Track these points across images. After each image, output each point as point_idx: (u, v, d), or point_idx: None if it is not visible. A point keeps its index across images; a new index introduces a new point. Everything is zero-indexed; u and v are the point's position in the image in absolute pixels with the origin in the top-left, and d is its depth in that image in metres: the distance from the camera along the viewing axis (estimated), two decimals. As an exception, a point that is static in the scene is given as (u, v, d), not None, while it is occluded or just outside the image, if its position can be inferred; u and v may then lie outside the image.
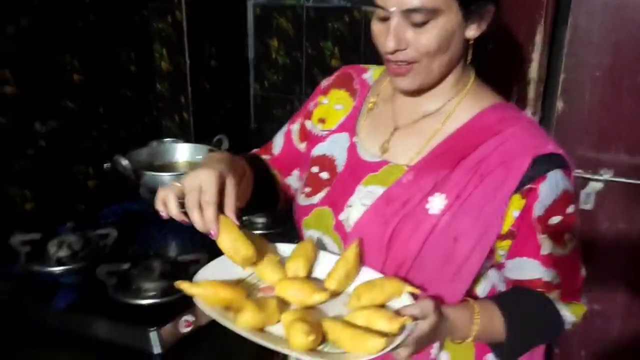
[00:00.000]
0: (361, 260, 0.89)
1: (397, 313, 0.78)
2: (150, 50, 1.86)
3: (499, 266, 0.93)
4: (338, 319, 0.80)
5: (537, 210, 0.86)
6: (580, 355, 2.03)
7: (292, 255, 0.90)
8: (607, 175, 1.81)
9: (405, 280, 0.85)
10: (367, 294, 0.82)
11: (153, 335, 1.05)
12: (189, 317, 1.11)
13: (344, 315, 0.81)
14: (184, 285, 0.81)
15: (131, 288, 1.16)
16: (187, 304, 1.13)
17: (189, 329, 1.10)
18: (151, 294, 1.14)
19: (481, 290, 0.95)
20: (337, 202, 0.95)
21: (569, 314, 0.94)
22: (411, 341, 0.76)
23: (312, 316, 0.79)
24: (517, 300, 0.92)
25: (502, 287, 0.97)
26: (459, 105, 0.92)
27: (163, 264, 1.22)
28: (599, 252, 1.88)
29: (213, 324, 0.81)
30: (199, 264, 1.22)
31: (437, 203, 0.86)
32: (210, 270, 0.88)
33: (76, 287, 1.19)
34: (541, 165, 0.84)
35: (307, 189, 0.99)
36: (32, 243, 1.31)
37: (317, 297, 0.82)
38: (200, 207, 0.79)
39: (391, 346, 0.72)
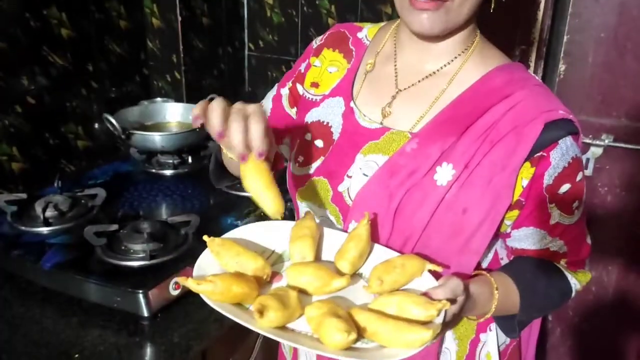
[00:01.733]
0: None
1: (426, 296, 0.73)
2: (140, 6, 1.79)
3: (504, 235, 0.90)
4: (365, 308, 0.73)
5: (547, 178, 0.81)
6: (574, 322, 2.04)
7: (294, 235, 0.82)
8: (607, 141, 1.78)
9: (425, 257, 0.80)
10: (388, 275, 0.75)
11: (141, 298, 1.03)
12: (177, 279, 1.08)
13: (369, 303, 0.74)
14: (189, 284, 0.70)
15: (120, 249, 1.14)
16: (176, 266, 1.11)
17: (178, 291, 1.08)
18: (140, 255, 1.12)
19: (485, 259, 0.92)
20: (334, 173, 0.89)
21: (576, 282, 0.91)
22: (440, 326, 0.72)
23: (339, 308, 0.70)
24: (528, 271, 0.89)
25: (503, 254, 0.94)
26: (465, 65, 0.86)
27: (152, 225, 1.19)
28: (596, 218, 1.87)
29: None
30: (189, 225, 1.21)
31: (444, 173, 0.81)
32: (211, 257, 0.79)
33: (64, 248, 1.16)
34: (552, 131, 0.80)
35: (300, 158, 0.94)
36: (19, 203, 1.28)
37: (336, 284, 0.74)
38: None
39: (436, 336, 0.67)
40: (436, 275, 0.78)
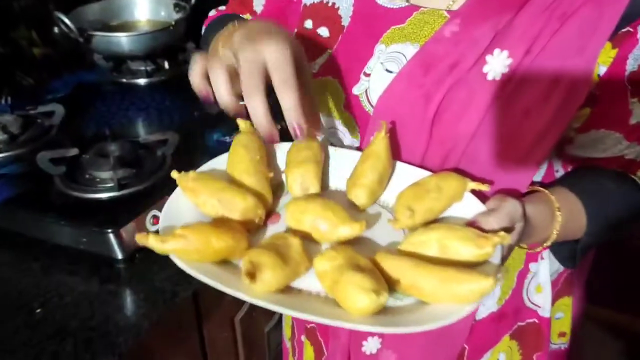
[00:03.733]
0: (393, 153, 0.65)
1: (472, 227, 0.55)
2: None
3: (564, 141, 0.70)
4: (394, 250, 0.55)
5: (632, 63, 0.61)
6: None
7: (292, 160, 0.64)
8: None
9: (466, 175, 0.62)
10: (420, 203, 0.57)
11: (112, 238, 0.85)
12: (156, 212, 0.89)
13: (398, 243, 0.56)
14: (150, 242, 0.52)
15: (83, 179, 0.93)
16: (152, 196, 0.92)
17: (157, 226, 0.89)
18: (108, 185, 0.92)
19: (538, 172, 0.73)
20: (346, 70, 0.70)
21: None
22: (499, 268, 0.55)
23: (359, 257, 0.53)
24: (597, 186, 0.70)
25: (559, 166, 0.74)
26: None
27: (121, 146, 0.98)
28: None
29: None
30: (166, 145, 1.00)
31: (498, 63, 0.61)
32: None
33: (15, 179, 0.97)
34: None
35: None
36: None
37: (345, 231, 0.56)
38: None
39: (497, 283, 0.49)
40: (481, 197, 0.61)
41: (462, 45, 0.62)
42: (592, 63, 0.61)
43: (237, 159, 0.63)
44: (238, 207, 0.57)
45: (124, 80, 1.34)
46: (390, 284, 0.51)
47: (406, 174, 0.65)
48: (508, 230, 0.55)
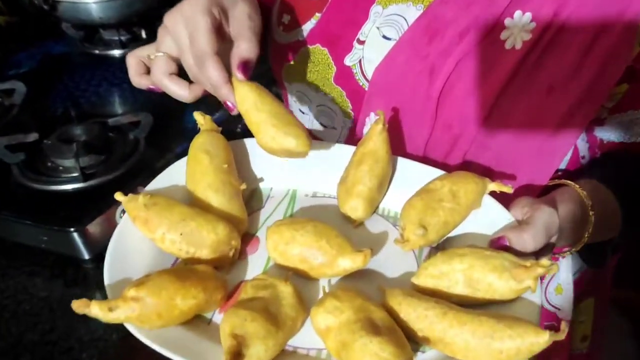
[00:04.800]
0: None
1: (497, 245, 0.46)
2: None
3: (596, 122, 0.60)
4: (409, 291, 0.44)
5: None
6: None
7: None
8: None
9: (482, 170, 0.54)
10: (433, 217, 0.47)
11: (76, 237, 0.75)
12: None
13: (412, 273, 0.46)
14: (94, 311, 0.43)
15: (44, 168, 0.83)
16: (122, 186, 0.79)
17: (128, 221, 0.80)
18: (72, 175, 0.81)
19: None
20: (337, 37, 0.61)
21: None
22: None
23: (370, 305, 0.41)
24: (632, 176, 0.61)
25: (585, 151, 0.64)
26: None
27: (87, 130, 0.87)
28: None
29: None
30: (138, 128, 0.89)
31: (519, 29, 0.51)
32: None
33: (-32, 169, 0.85)
34: None
35: (286, 17, 0.64)
36: None
37: (346, 264, 0.46)
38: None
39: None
40: (499, 197, 0.51)
41: (475, 6, 0.52)
42: (634, 29, 0.51)
43: (199, 171, 0.52)
44: (207, 241, 0.47)
45: (97, 51, 1.21)
46: (410, 336, 0.41)
47: (410, 171, 0.54)
48: (547, 248, 0.46)
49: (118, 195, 0.49)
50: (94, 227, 0.76)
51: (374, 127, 0.53)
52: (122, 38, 1.21)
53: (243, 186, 0.53)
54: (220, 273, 0.48)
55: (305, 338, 0.43)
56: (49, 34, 1.28)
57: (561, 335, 0.39)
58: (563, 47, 0.52)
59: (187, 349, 0.40)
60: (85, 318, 0.69)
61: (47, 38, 1.26)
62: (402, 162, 0.56)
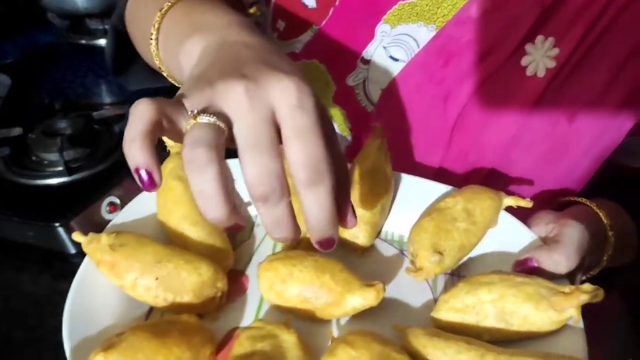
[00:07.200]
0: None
1: (523, 268, 0.41)
2: None
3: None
4: (433, 331, 0.38)
5: None
6: None
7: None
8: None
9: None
10: (447, 240, 0.42)
11: (61, 232, 0.74)
12: (113, 199, 0.79)
13: (431, 307, 0.41)
14: None
15: (29, 162, 0.82)
16: (109, 180, 0.81)
17: (114, 214, 0.79)
18: (57, 169, 0.80)
19: None
20: (338, 54, 0.56)
21: None
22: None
23: (388, 350, 0.35)
24: None
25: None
26: None
27: (72, 123, 0.86)
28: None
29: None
30: (124, 120, 0.88)
31: (541, 55, 0.49)
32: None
33: (-48, 164, 0.84)
34: None
35: (280, 24, 0.60)
36: None
37: (357, 302, 0.40)
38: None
39: None
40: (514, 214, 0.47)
41: (494, 29, 0.49)
42: None
43: (172, 201, 0.45)
44: (187, 284, 0.40)
45: (83, 41, 1.19)
46: None
47: (413, 189, 0.49)
48: (578, 270, 0.42)
49: (76, 236, 0.42)
50: (78, 222, 0.75)
51: (371, 142, 0.48)
52: (107, 27, 1.19)
53: None
54: (206, 322, 0.41)
55: None
56: (35, 23, 1.27)
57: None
58: (588, 72, 0.49)
59: None
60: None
61: (33, 28, 1.25)
62: (404, 178, 0.50)
